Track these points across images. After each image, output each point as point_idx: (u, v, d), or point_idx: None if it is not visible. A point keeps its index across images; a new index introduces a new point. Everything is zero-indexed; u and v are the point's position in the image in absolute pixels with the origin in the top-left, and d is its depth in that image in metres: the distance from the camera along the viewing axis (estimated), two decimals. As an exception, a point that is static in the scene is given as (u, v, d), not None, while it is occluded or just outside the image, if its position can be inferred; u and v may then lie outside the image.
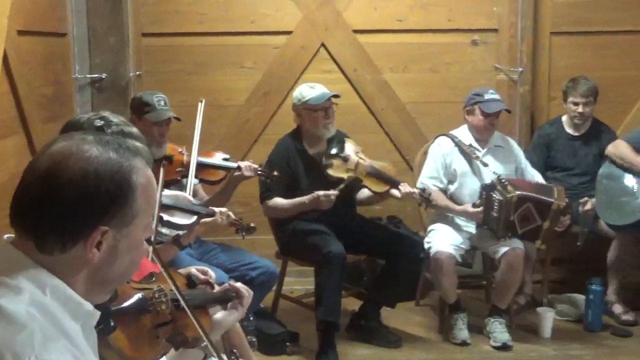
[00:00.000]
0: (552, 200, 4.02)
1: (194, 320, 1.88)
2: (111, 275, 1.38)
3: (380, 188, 4.09)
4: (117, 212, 1.32)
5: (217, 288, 2.24)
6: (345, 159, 4.08)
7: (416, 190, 4.04)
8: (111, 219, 1.32)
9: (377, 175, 4.09)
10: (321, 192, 3.91)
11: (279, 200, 4.06)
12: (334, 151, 4.09)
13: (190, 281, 2.22)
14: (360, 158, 4.10)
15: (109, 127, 2.21)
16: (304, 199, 3.97)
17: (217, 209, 3.30)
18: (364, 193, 4.27)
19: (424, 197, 4.04)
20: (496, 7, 5.08)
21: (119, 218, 1.33)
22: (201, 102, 4.00)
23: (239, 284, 2.18)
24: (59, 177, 1.29)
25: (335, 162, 4.08)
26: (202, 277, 2.22)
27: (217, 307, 2.18)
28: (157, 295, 1.99)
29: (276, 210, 4.10)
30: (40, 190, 1.30)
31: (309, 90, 4.10)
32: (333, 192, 3.90)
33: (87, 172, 1.30)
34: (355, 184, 4.08)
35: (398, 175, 4.20)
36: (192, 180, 3.67)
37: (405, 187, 4.02)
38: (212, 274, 2.25)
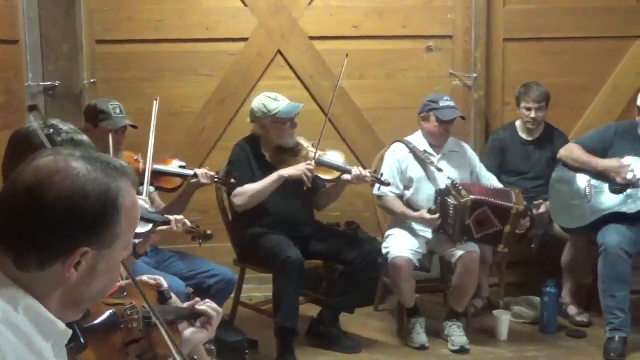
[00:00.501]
0: (512, 204, 4.07)
1: (167, 340, 1.84)
2: (87, 295, 1.35)
3: (332, 175, 4.14)
4: (100, 234, 1.30)
5: (186, 303, 2.22)
6: (297, 154, 4.12)
7: (368, 173, 4.07)
8: (94, 240, 1.29)
9: (328, 164, 4.14)
10: (301, 166, 3.97)
11: (247, 186, 4.04)
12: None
13: (162, 296, 2.19)
14: (310, 150, 4.12)
15: (58, 136, 2.18)
16: (283, 172, 4.00)
17: (173, 217, 3.28)
18: (322, 193, 4.29)
19: (376, 178, 4.10)
20: (450, 14, 5.14)
21: (102, 240, 1.30)
22: (156, 100, 3.98)
23: (207, 305, 2.14)
24: (45, 194, 1.26)
25: (286, 157, 4.11)
26: (153, 282, 2.19)
27: (186, 323, 2.15)
28: (129, 312, 1.96)
29: (247, 197, 4.05)
30: (24, 206, 1.26)
31: (274, 103, 4.08)
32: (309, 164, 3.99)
33: (75, 190, 1.27)
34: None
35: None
36: (147, 188, 3.63)
37: (356, 170, 4.05)
38: (164, 282, 2.22)
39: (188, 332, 2.08)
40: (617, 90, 5.33)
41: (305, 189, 4.01)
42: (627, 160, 4.24)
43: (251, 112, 4.17)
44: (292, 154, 4.15)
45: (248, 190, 4.02)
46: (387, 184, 4.18)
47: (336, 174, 4.14)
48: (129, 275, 1.90)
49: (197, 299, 2.17)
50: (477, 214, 4.05)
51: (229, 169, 4.18)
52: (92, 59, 4.84)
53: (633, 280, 4.19)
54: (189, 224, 3.33)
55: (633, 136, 4.30)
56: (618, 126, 4.45)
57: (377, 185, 4.28)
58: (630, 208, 4.16)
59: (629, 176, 4.17)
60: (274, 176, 4.02)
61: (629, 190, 4.17)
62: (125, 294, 2.04)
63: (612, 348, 4.03)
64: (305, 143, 4.22)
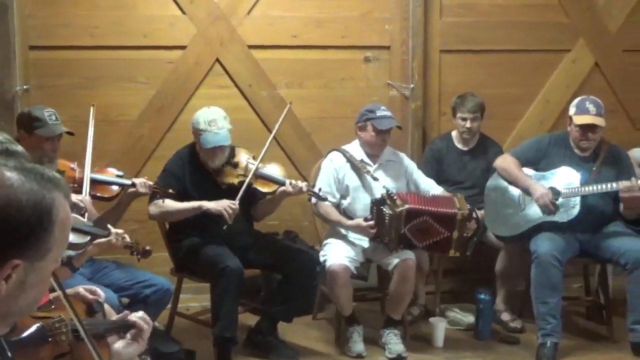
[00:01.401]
0: (455, 210, 4.13)
1: (93, 353, 1.81)
2: (15, 308, 1.32)
3: (270, 188, 4.14)
4: (33, 246, 1.26)
5: (107, 309, 2.18)
6: (235, 165, 4.12)
7: (304, 184, 4.10)
8: (26, 252, 1.26)
9: (267, 177, 4.14)
10: (223, 203, 3.92)
11: (168, 202, 4.01)
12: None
13: (91, 308, 2.15)
14: (250, 163, 4.12)
15: (-8, 145, 2.13)
16: (204, 203, 3.96)
17: (113, 230, 3.23)
18: (260, 204, 4.30)
19: (313, 192, 4.12)
20: (388, 25, 5.20)
21: (34, 252, 1.27)
22: (93, 106, 3.91)
23: (138, 315, 2.10)
24: None
25: (226, 169, 4.11)
26: (90, 297, 2.16)
27: (116, 336, 2.11)
28: (57, 325, 1.92)
29: (163, 212, 4.02)
30: None
31: (203, 126, 4.00)
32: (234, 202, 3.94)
33: (8, 202, 1.23)
34: (247, 189, 4.07)
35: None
36: (87, 196, 3.57)
37: (292, 182, 4.08)
38: (101, 293, 2.19)
39: (118, 345, 2.04)
40: (548, 101, 5.48)
41: (224, 227, 3.97)
42: (562, 170, 4.34)
43: (192, 124, 4.14)
44: (232, 165, 4.14)
45: (165, 207, 3.99)
46: (324, 199, 4.20)
47: (274, 187, 4.15)
48: (59, 287, 1.87)
49: (126, 311, 2.13)
50: (417, 223, 4.09)
51: (161, 174, 4.14)
52: (25, 66, 4.74)
53: (564, 287, 4.30)
54: (128, 239, 3.30)
55: (565, 146, 4.42)
56: (551, 136, 4.56)
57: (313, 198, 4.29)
58: (562, 217, 4.28)
59: (541, 203, 4.26)
60: (194, 204, 3.99)
61: (560, 200, 4.28)
62: (53, 306, 2.00)
63: (543, 353, 4.13)
64: (245, 155, 4.20)
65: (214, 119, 4.03)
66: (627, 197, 4.11)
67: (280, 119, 4.34)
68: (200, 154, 4.12)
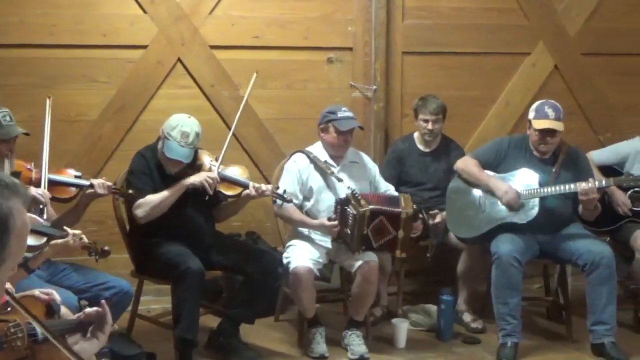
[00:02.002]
0: (400, 209, 4.14)
1: (66, 352, 1.76)
2: None
3: (234, 191, 4.12)
4: None
5: (64, 311, 2.14)
6: (198, 168, 4.09)
7: (268, 187, 4.08)
8: None
9: (230, 180, 4.12)
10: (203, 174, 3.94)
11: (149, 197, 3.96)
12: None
13: (50, 310, 2.11)
14: (213, 165, 4.09)
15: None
16: (185, 181, 3.95)
17: (70, 231, 3.17)
18: (223, 206, 4.27)
19: (278, 195, 4.11)
20: (351, 26, 5.21)
21: None
22: (49, 98, 3.84)
23: (94, 309, 2.06)
24: None
25: (189, 172, 4.06)
26: (46, 297, 2.11)
27: (77, 335, 2.07)
28: (12, 331, 1.87)
29: (149, 208, 3.96)
30: None
31: (175, 133, 3.92)
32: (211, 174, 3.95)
33: None
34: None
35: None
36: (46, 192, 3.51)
37: (257, 185, 4.07)
38: (57, 296, 2.15)
39: (79, 345, 2.01)
40: (509, 104, 5.54)
41: (207, 198, 3.97)
42: (522, 172, 4.38)
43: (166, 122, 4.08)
44: (195, 168, 4.10)
45: (150, 201, 3.95)
46: (289, 201, 4.19)
47: (238, 190, 4.12)
48: (9, 295, 1.82)
49: (85, 310, 2.09)
50: (375, 223, 4.11)
51: (129, 178, 4.08)
52: (-21, 64, 4.65)
53: (524, 287, 4.35)
54: (85, 239, 3.24)
55: (524, 148, 4.47)
56: (511, 139, 4.61)
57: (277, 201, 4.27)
58: (522, 218, 4.32)
59: (506, 199, 4.31)
60: (176, 186, 3.96)
61: (519, 201, 4.32)
62: (8, 309, 1.95)
63: (504, 353, 4.16)
64: (208, 157, 4.17)
65: (187, 133, 3.95)
66: (585, 199, 4.16)
67: (249, 88, 4.32)
68: (159, 153, 4.07)
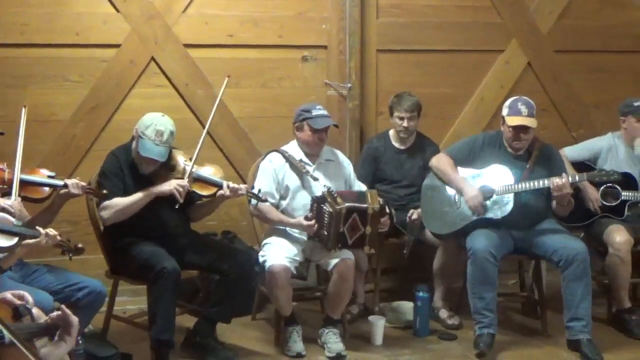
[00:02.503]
0: (367, 205, 4.15)
1: (30, 356, 1.74)
2: None
3: (208, 191, 4.10)
4: None
5: (36, 313, 2.11)
6: (172, 168, 4.06)
7: (243, 186, 4.07)
8: None
9: (204, 180, 4.10)
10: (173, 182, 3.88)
11: (116, 200, 3.93)
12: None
13: (17, 313, 2.08)
14: (187, 165, 4.07)
15: None
16: (154, 188, 3.92)
17: (42, 230, 3.14)
18: (198, 206, 4.25)
19: (253, 194, 4.10)
20: (325, 24, 5.21)
21: None
22: (25, 107, 3.80)
23: (57, 313, 2.04)
24: None
25: (163, 172, 4.04)
26: (17, 302, 2.09)
27: (44, 339, 2.05)
28: None
29: (115, 211, 3.94)
30: None
31: (149, 132, 3.90)
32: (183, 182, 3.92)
33: None
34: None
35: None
36: (16, 198, 3.46)
37: (231, 185, 4.05)
38: (29, 298, 2.12)
39: (46, 349, 1.99)
40: (483, 101, 5.57)
41: (176, 206, 3.94)
42: (496, 169, 4.41)
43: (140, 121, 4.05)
44: (168, 168, 4.07)
45: (116, 204, 3.92)
46: (264, 200, 4.17)
47: (213, 190, 4.10)
48: None
49: (50, 314, 2.07)
50: (350, 220, 4.11)
51: (99, 179, 4.05)
52: (-51, 64, 4.59)
53: (499, 283, 4.37)
54: (58, 237, 3.20)
55: (498, 145, 4.50)
56: (485, 136, 4.63)
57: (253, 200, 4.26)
58: (496, 214, 4.35)
59: (471, 204, 4.35)
60: (145, 192, 3.93)
61: (494, 197, 4.36)
62: None
63: (481, 340, 4.20)
64: (182, 157, 4.14)
65: (161, 131, 3.93)
66: (558, 194, 4.20)
67: (222, 90, 4.30)
68: (133, 153, 4.04)
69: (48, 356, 1.97)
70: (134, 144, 4.03)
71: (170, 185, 3.92)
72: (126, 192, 3.98)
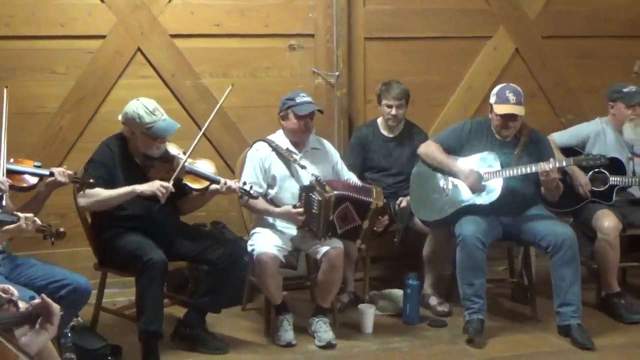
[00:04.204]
0: (371, 200, 4.15)
1: (9, 346, 1.73)
2: None
3: (200, 185, 4.09)
4: None
5: (22, 306, 2.10)
6: (166, 160, 4.05)
7: (236, 184, 4.06)
8: None
9: (197, 173, 4.09)
10: (156, 183, 3.88)
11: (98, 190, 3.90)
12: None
13: None
14: (180, 158, 4.06)
15: None
16: (137, 186, 3.90)
17: (21, 215, 3.12)
18: (188, 199, 4.23)
19: (245, 191, 4.08)
20: (312, 13, 5.19)
21: None
22: (6, 88, 3.78)
23: (37, 301, 2.02)
24: None
25: (156, 164, 4.03)
26: (3, 295, 2.08)
27: (25, 328, 2.03)
28: None
29: (93, 201, 3.92)
30: None
31: (150, 117, 3.93)
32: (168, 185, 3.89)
33: None
34: (176, 183, 4.01)
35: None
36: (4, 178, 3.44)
37: (225, 182, 4.04)
38: (14, 291, 2.11)
39: (26, 338, 1.98)
40: (471, 88, 5.56)
41: (157, 207, 3.93)
42: (484, 155, 4.41)
43: (124, 115, 4.02)
44: (162, 159, 4.06)
45: (96, 194, 3.89)
46: (256, 197, 4.16)
47: (205, 184, 4.09)
48: None
49: (34, 301, 2.06)
50: (340, 209, 4.11)
51: (86, 165, 4.04)
52: None
53: (489, 269, 4.38)
54: (39, 222, 3.18)
55: (486, 132, 4.49)
56: (473, 123, 4.63)
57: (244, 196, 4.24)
58: (484, 200, 4.35)
59: (468, 182, 4.35)
60: (127, 189, 3.91)
61: (482, 183, 4.35)
62: None
63: (471, 326, 4.21)
64: (175, 150, 4.13)
65: (154, 107, 3.98)
66: (545, 179, 4.21)
67: (224, 97, 4.30)
68: (139, 144, 4.01)
69: (29, 345, 1.96)
70: (131, 136, 4.01)
71: (153, 186, 3.89)
72: (117, 183, 3.97)
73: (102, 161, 4.01)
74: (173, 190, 3.94)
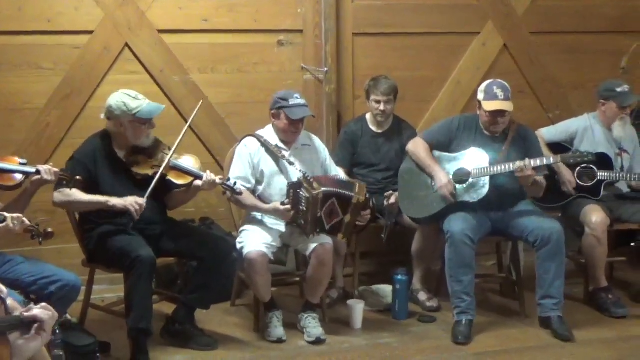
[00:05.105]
0: (353, 194, 4.15)
1: None
2: None
3: (185, 180, 4.07)
4: None
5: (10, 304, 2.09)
6: (150, 155, 4.04)
7: (218, 179, 4.04)
8: None
9: (181, 169, 4.07)
10: (130, 199, 3.85)
11: (75, 192, 3.88)
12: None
13: None
14: (165, 153, 4.04)
15: None
16: (111, 199, 3.87)
17: (7, 215, 3.10)
18: (174, 194, 4.22)
19: (227, 186, 4.07)
20: (300, 8, 5.18)
21: None
22: None
23: (37, 309, 2.01)
24: None
25: (141, 159, 4.02)
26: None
27: (17, 333, 2.02)
28: None
29: (67, 200, 3.90)
30: None
31: (134, 102, 3.95)
32: (141, 200, 3.86)
33: None
34: (158, 181, 3.99)
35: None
36: None
37: (208, 176, 4.03)
38: (2, 288, 2.10)
39: (20, 341, 1.97)
40: (460, 84, 5.57)
41: (131, 225, 3.92)
42: (472, 152, 4.42)
43: (108, 109, 4.01)
44: (147, 154, 4.05)
45: (70, 195, 3.85)
46: (239, 193, 4.15)
47: (189, 179, 4.08)
48: None
49: (30, 306, 2.05)
50: (327, 205, 4.10)
51: (68, 162, 4.01)
52: None
53: (478, 265, 4.40)
54: (27, 222, 3.16)
55: (475, 127, 4.50)
56: (461, 119, 4.63)
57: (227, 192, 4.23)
58: (472, 197, 4.36)
59: (441, 192, 4.37)
60: (101, 199, 3.88)
61: (470, 180, 4.37)
62: None
63: (459, 331, 4.21)
64: (161, 145, 4.13)
65: (134, 94, 4.01)
66: (521, 177, 4.22)
67: (194, 114, 4.27)
68: (130, 136, 4.00)
69: (22, 349, 1.95)
70: (118, 130, 3.99)
71: (126, 202, 3.85)
72: (100, 181, 3.95)
73: (83, 160, 3.99)
74: (145, 207, 3.89)
